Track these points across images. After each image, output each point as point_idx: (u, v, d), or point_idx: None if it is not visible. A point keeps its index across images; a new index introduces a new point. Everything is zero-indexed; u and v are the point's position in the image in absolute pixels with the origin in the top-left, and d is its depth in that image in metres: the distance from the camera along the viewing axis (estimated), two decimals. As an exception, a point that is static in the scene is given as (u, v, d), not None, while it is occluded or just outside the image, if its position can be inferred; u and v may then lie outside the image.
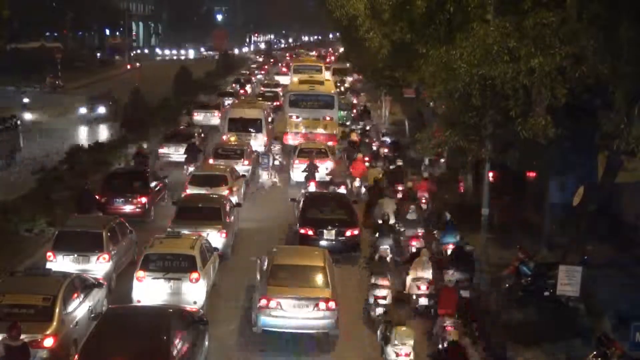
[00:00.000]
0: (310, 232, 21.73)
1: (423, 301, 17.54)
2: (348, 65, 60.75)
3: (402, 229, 21.73)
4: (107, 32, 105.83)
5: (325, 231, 21.65)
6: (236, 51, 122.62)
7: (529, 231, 21.98)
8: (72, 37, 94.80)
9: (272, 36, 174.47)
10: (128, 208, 24.16)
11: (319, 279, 16.98)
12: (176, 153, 32.14)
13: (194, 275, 16.95)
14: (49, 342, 13.78)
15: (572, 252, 18.63)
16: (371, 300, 17.45)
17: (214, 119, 42.63)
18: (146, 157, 30.23)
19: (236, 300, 18.72)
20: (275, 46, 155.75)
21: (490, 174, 20.66)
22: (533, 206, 23.43)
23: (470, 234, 22.01)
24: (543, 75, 16.23)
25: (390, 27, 26.20)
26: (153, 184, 25.84)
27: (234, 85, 60.92)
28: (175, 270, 17.08)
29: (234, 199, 24.76)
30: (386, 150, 33.60)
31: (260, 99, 48.57)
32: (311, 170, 28.79)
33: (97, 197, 23.88)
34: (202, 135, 36.17)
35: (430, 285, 17.71)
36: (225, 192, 24.90)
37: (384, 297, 17.13)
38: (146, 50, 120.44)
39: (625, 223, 21.82)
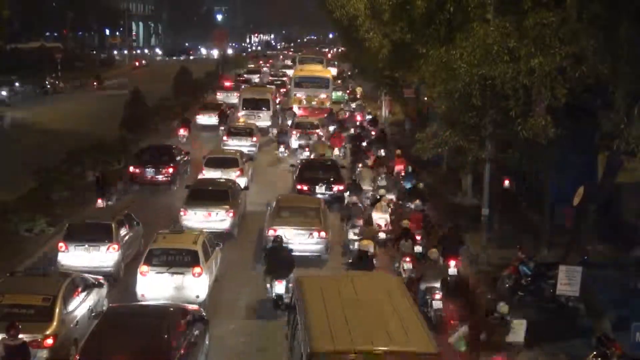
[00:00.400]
0: (306, 188, 26.60)
1: (382, 235, 21.80)
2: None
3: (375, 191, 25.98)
4: (107, 32, 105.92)
5: (317, 187, 26.47)
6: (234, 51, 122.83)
7: (529, 231, 21.98)
8: (72, 37, 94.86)
9: (272, 36, 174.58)
10: (159, 177, 28.40)
11: (314, 215, 21.51)
12: (208, 118, 42.62)
13: (197, 269, 17.31)
14: (49, 342, 13.82)
15: (572, 252, 18.64)
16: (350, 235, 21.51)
17: (233, 98, 50.60)
18: (225, 114, 42.79)
19: (238, 293, 18.91)
20: (276, 45, 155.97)
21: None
22: (533, 206, 23.42)
23: (471, 233, 22.04)
24: (543, 75, 16.23)
25: (390, 27, 26.24)
26: (178, 158, 29.89)
27: (245, 75, 70.53)
28: (179, 265, 17.45)
29: (243, 182, 27.13)
30: (366, 124, 41.76)
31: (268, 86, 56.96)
32: (282, 138, 36.43)
33: (103, 182, 25.97)
34: (229, 108, 45.63)
35: (388, 224, 22.39)
36: (237, 173, 27.88)
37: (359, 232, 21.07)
38: (146, 50, 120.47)
39: (625, 223, 21.80)
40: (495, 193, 22.26)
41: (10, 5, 54.37)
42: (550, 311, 17.13)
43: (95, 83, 66.59)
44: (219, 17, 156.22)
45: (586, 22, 15.41)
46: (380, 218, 22.34)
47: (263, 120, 41.52)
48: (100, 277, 17.46)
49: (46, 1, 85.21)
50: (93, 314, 15.42)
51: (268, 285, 17.63)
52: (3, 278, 16.35)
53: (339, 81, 63.20)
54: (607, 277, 18.36)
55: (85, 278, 16.45)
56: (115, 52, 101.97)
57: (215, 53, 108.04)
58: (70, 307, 14.97)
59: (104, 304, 16.51)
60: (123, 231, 19.92)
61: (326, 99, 48.18)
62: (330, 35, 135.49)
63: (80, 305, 15.42)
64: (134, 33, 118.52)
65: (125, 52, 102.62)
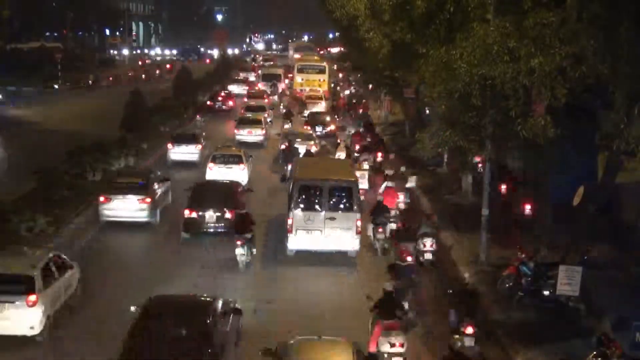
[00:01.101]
0: (309, 128, 40.41)
1: None
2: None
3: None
4: (107, 32, 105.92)
5: (316, 126, 40.97)
6: (236, 51, 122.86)
7: (529, 231, 21.98)
8: (72, 37, 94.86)
9: (272, 36, 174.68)
10: (223, 107, 52.02)
11: (310, 139, 35.68)
12: (237, 87, 61.94)
13: (242, 165, 29.77)
14: (148, 200, 23.84)
15: (572, 252, 18.62)
16: None
17: (252, 77, 70.94)
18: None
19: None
20: (278, 46, 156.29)
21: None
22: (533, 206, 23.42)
23: (470, 233, 22.06)
24: (543, 75, 16.25)
25: (390, 27, 26.24)
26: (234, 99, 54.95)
27: (262, 62, 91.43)
28: (230, 162, 29.76)
29: (269, 119, 44.47)
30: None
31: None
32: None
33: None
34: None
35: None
36: (265, 115, 43.73)
37: None
38: (146, 50, 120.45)
39: (625, 223, 21.81)
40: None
41: (10, 5, 54.28)
42: (550, 311, 17.13)
43: (143, 75, 75.85)
44: (219, 17, 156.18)
45: (586, 22, 15.44)
46: (341, 154, 31.99)
47: (277, 88, 60.60)
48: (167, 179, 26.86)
49: (46, 1, 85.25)
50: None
51: (284, 167, 30.13)
52: (116, 171, 28.66)
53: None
54: (607, 277, 18.40)
55: (158, 175, 26.20)
56: (115, 51, 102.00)
57: (215, 53, 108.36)
58: (156, 187, 24.89)
59: (170, 193, 26.64)
60: (203, 139, 35.30)
61: (323, 82, 60.42)
62: (331, 36, 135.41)
63: (158, 188, 25.09)
64: (134, 33, 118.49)
65: (126, 52, 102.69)
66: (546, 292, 17.45)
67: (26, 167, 28.20)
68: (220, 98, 52.92)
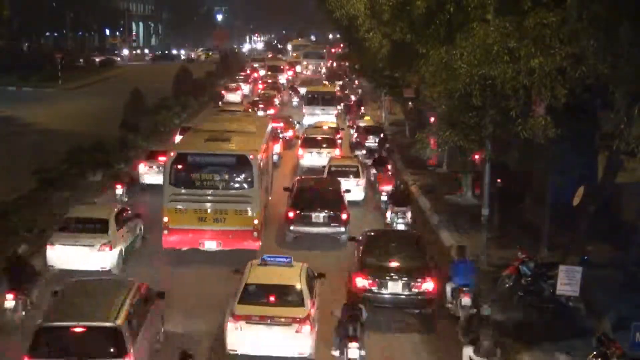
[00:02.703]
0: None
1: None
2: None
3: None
4: (107, 32, 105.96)
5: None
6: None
7: (529, 231, 21.97)
8: (72, 37, 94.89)
9: (272, 36, 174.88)
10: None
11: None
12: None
13: (273, 109, 46.43)
14: None
15: (572, 252, 18.63)
16: None
17: (261, 70, 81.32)
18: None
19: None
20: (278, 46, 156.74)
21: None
22: (533, 206, 23.44)
23: (471, 233, 22.04)
24: (543, 75, 16.24)
25: (390, 27, 26.20)
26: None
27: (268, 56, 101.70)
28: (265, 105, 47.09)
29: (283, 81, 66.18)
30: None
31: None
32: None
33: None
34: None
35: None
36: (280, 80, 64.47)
37: None
38: (147, 50, 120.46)
39: (625, 223, 21.79)
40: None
41: (10, 5, 54.20)
42: (550, 311, 17.13)
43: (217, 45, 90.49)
44: (219, 17, 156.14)
45: (586, 22, 15.43)
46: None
47: (280, 79, 69.89)
48: None
49: (46, 1, 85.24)
50: None
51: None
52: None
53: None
54: (607, 277, 18.41)
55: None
56: (115, 52, 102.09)
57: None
58: None
59: None
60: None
61: (322, 65, 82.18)
62: (330, 36, 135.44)
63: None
64: (134, 33, 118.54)
65: (126, 52, 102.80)
66: (546, 292, 17.46)
67: (26, 167, 28.23)
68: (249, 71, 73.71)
